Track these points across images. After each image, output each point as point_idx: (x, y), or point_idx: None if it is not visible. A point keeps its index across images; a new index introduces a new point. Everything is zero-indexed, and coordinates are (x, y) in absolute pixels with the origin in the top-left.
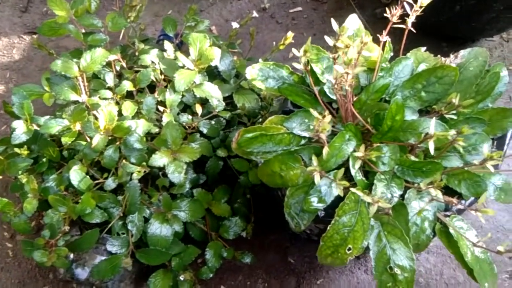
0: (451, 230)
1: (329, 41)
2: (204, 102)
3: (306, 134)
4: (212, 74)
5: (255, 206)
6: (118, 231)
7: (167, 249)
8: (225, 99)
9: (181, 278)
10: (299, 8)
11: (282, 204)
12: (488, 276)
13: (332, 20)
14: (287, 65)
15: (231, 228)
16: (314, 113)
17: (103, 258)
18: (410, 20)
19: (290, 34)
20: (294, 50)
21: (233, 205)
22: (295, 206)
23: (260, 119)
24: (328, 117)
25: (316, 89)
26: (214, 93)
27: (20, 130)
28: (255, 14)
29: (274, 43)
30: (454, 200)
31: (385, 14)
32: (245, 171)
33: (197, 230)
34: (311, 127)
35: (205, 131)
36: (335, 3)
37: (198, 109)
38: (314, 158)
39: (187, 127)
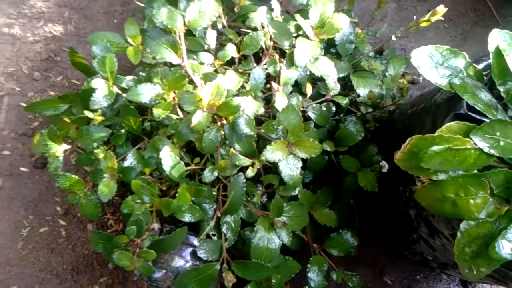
0: None
1: None
2: (313, 81)
3: (495, 152)
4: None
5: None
6: (208, 233)
7: (269, 263)
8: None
9: None
10: None
11: (410, 224)
12: None
13: None
14: (464, 53)
15: (340, 244)
16: None
17: (186, 263)
18: None
19: (441, 9)
20: None
21: (334, 211)
22: (471, 246)
23: (372, 110)
24: None
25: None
26: (330, 71)
27: (101, 93)
28: None
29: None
30: None
31: None
32: (353, 172)
33: (296, 239)
34: (502, 143)
35: (313, 117)
36: None
37: (308, 89)
38: None
39: None
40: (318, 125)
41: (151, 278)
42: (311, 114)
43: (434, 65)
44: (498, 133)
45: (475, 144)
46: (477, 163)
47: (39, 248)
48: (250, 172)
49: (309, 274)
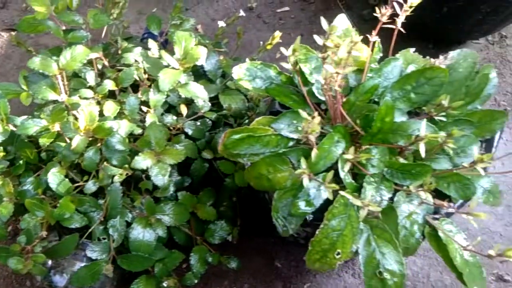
0: (441, 234)
1: (319, 40)
2: (189, 102)
3: (294, 135)
4: (198, 73)
5: (240, 209)
6: (98, 236)
7: (150, 255)
8: (211, 99)
9: (165, 284)
10: (287, 8)
11: (269, 207)
12: (477, 279)
13: (322, 18)
14: (275, 65)
15: (216, 232)
16: (303, 114)
17: (83, 264)
18: (400, 19)
19: (277, 34)
20: (282, 49)
21: (219, 208)
22: (283, 209)
23: (247, 120)
24: (318, 118)
25: (304, 90)
26: (199, 93)
27: None
28: (242, 13)
29: (261, 42)
30: (445, 203)
31: (374, 14)
32: (231, 173)
33: (182, 234)
34: (299, 128)
35: (190, 132)
36: (322, 4)
37: (183, 109)
38: (302, 160)
39: (171, 128)
40: (195, 138)
41: (51, 282)
42: (187, 129)
43: (253, 77)
44: (294, 121)
45: (275, 131)
46: (281, 145)
47: None
48: (117, 178)
49: (191, 262)
